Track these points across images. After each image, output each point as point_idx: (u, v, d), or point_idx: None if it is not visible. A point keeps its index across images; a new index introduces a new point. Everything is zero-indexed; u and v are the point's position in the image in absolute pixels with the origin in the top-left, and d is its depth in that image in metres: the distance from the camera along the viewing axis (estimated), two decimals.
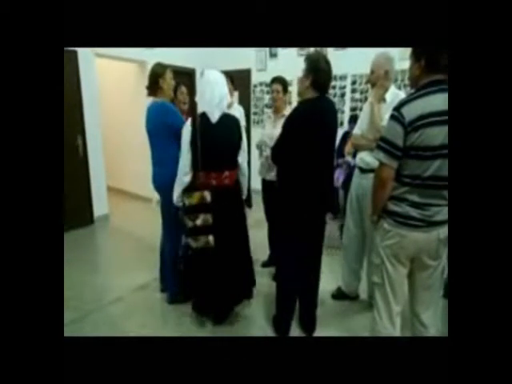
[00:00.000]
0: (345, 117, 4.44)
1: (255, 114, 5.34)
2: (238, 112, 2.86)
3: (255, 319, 2.22)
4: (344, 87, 4.42)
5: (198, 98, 1.85)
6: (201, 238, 1.85)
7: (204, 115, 1.81)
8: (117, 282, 2.71)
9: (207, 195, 1.82)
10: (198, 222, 1.83)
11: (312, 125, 1.72)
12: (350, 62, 4.20)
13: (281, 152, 1.84)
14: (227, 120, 1.87)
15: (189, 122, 1.82)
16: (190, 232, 1.87)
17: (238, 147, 1.91)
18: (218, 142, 1.81)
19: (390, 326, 1.50)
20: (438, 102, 1.30)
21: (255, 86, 5.28)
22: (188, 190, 1.86)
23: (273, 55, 4.94)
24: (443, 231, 1.39)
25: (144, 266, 2.96)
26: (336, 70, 4.36)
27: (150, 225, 3.80)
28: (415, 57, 1.38)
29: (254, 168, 3.70)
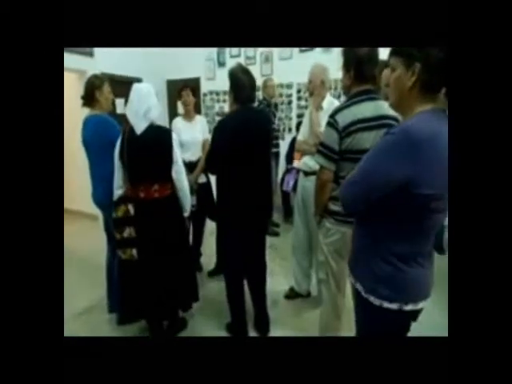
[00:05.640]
0: (292, 123, 4.61)
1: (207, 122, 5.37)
2: (200, 124, 2.84)
3: (206, 331, 2.19)
4: (290, 95, 4.61)
5: (126, 110, 1.82)
6: (127, 250, 1.86)
7: (131, 127, 1.79)
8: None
9: (131, 208, 1.82)
10: (125, 234, 1.84)
11: (232, 134, 1.78)
12: (294, 71, 4.38)
13: (211, 161, 1.91)
14: (156, 132, 1.81)
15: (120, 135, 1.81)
16: (119, 244, 1.87)
17: (168, 160, 1.83)
18: (143, 153, 1.78)
19: (336, 318, 1.61)
20: (367, 109, 1.43)
21: (205, 94, 5.32)
22: (115, 204, 1.85)
23: (221, 64, 5.02)
24: None
25: (88, 287, 2.76)
26: (282, 78, 4.58)
27: (94, 243, 3.47)
28: (345, 68, 1.51)
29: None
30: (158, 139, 1.81)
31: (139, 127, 1.76)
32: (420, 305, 0.96)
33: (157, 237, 1.87)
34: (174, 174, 1.87)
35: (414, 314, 1.00)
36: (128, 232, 1.83)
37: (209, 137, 2.85)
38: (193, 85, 3.04)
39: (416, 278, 0.95)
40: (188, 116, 2.82)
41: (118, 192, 1.86)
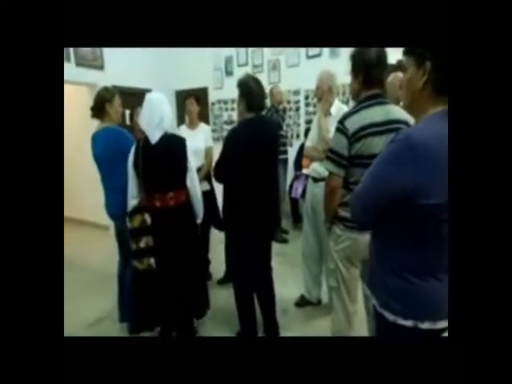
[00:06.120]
0: (301, 130, 4.61)
1: (214, 131, 5.41)
2: (202, 132, 2.85)
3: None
4: (298, 102, 4.61)
5: (139, 120, 1.84)
6: (144, 260, 1.84)
7: (146, 137, 1.81)
8: (69, 319, 2.50)
9: (147, 217, 1.82)
10: (142, 244, 1.83)
11: (245, 143, 1.80)
12: (302, 78, 4.39)
13: (221, 169, 1.92)
14: (170, 140, 1.84)
15: (134, 146, 1.82)
16: (135, 255, 1.86)
17: (182, 168, 1.87)
18: (158, 162, 1.80)
19: (347, 325, 1.59)
20: (377, 114, 1.42)
21: (213, 103, 5.37)
22: (130, 214, 1.85)
23: (229, 73, 5.07)
24: None
25: (100, 297, 2.77)
26: (290, 85, 4.59)
27: (106, 253, 3.44)
28: (354, 73, 1.51)
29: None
30: (173, 148, 1.84)
31: (153, 137, 1.79)
32: (439, 324, 0.89)
33: (174, 245, 1.87)
34: (188, 182, 1.90)
35: (435, 334, 0.91)
36: (145, 242, 1.82)
37: (212, 145, 2.88)
38: (197, 94, 3.05)
39: (432, 293, 0.89)
40: (192, 124, 2.85)
41: (132, 202, 1.87)
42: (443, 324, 0.89)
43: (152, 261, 1.84)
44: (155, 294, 1.90)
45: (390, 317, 0.93)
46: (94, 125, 2.18)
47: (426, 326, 0.88)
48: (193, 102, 2.80)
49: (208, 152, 2.82)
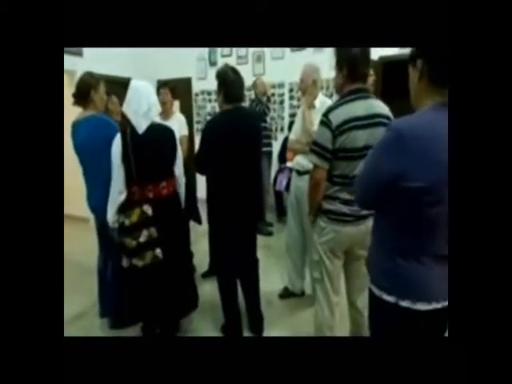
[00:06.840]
0: (285, 123, 4.62)
1: (198, 122, 5.35)
2: (177, 122, 2.78)
3: (203, 332, 2.17)
4: (282, 95, 4.61)
5: (124, 109, 1.76)
6: (147, 254, 1.73)
7: (131, 127, 1.73)
8: None
9: (148, 209, 1.72)
10: (142, 238, 1.71)
11: (221, 135, 1.80)
12: (286, 71, 4.38)
13: (200, 161, 1.93)
14: (157, 130, 1.79)
15: (118, 137, 1.72)
16: (133, 252, 1.73)
17: (172, 156, 1.84)
18: (150, 152, 1.73)
19: (330, 316, 1.62)
20: (360, 108, 1.44)
21: (197, 94, 5.29)
22: (125, 209, 1.73)
23: (213, 64, 5.00)
24: (369, 223, 1.53)
25: (78, 292, 2.67)
26: (274, 78, 4.58)
27: (84, 247, 3.29)
28: (338, 67, 1.52)
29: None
30: (163, 137, 1.80)
31: (141, 126, 1.71)
32: (419, 305, 0.94)
33: (175, 234, 1.85)
34: (176, 171, 1.87)
35: (415, 315, 0.95)
36: (146, 235, 1.72)
37: (186, 133, 2.84)
38: (173, 84, 2.95)
39: (414, 274, 0.95)
40: (166, 115, 2.76)
41: (120, 197, 1.74)
42: (423, 306, 0.94)
43: (158, 251, 1.73)
44: (151, 288, 1.80)
45: (376, 292, 1.03)
46: (73, 114, 2.07)
47: (405, 303, 0.95)
48: (167, 92, 2.72)
49: (182, 140, 2.68)
